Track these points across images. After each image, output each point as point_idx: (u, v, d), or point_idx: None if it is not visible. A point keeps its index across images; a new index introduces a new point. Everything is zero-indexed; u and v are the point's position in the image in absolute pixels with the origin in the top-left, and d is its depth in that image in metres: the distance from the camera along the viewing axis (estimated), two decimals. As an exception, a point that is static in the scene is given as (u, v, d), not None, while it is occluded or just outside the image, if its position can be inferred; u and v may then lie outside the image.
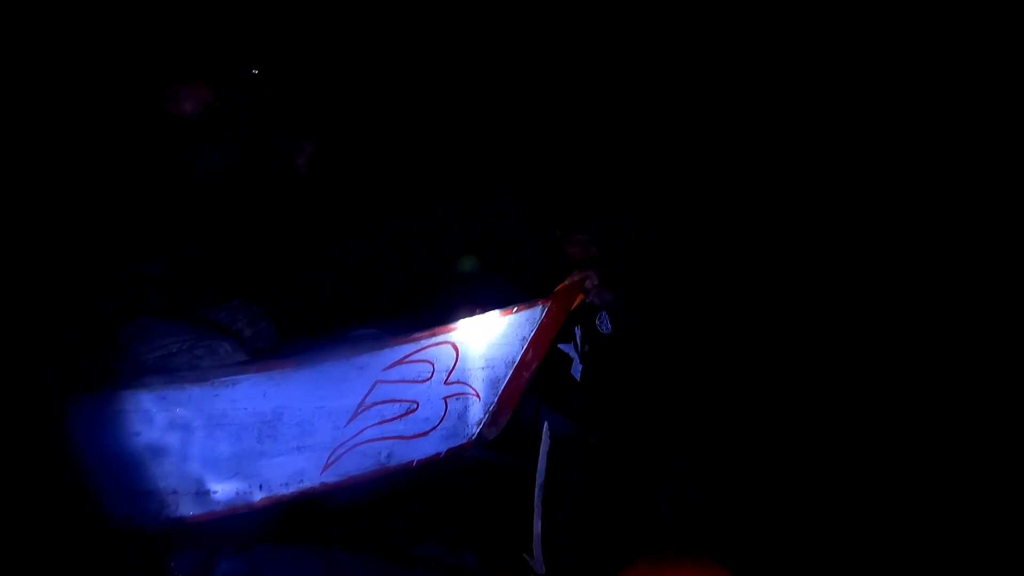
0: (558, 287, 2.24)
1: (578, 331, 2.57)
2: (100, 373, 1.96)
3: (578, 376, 2.56)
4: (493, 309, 2.15)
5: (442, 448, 2.09)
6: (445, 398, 2.08)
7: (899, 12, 3.06)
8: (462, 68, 3.16)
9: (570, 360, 2.57)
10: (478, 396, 2.12)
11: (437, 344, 2.06)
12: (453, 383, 2.09)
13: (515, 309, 2.15)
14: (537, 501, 2.16)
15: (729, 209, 3.20)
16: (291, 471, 2.00)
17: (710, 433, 2.65)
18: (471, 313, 2.16)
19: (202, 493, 2.00)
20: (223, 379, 1.95)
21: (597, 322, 2.55)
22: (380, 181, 2.84)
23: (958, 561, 2.10)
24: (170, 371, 1.96)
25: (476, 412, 2.12)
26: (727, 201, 3.21)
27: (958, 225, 2.97)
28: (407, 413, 2.05)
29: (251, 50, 2.51)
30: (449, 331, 2.08)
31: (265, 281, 2.24)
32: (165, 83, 2.13)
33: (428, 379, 2.06)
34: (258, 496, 2.00)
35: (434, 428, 2.08)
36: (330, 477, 2.02)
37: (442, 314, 2.20)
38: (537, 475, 2.17)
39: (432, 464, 2.09)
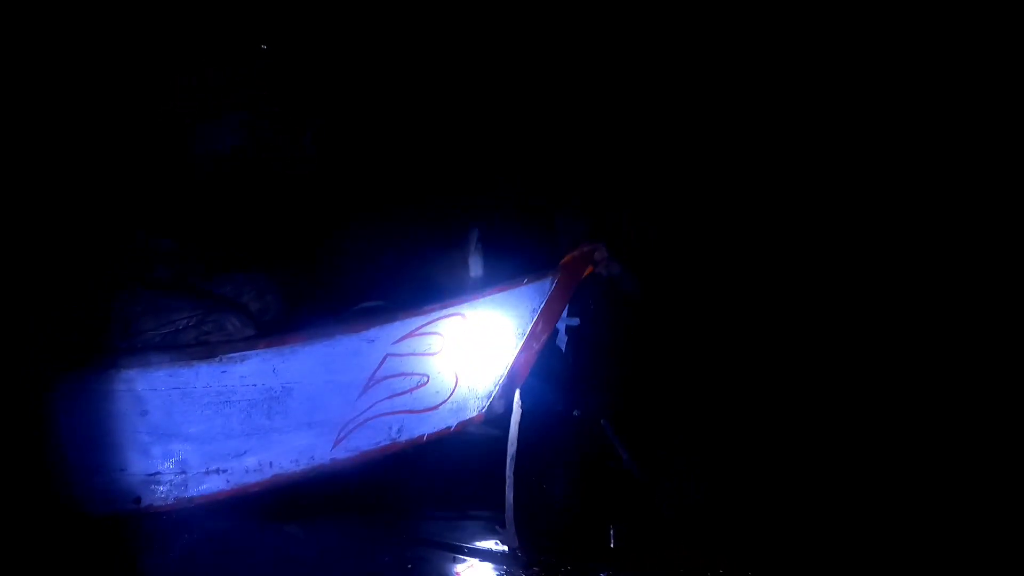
0: (565, 259, 2.22)
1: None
2: (104, 350, 1.93)
3: (563, 348, 2.55)
4: (502, 282, 2.13)
5: (452, 421, 2.07)
6: (455, 371, 2.06)
7: (899, 12, 3.07)
8: (464, 66, 3.16)
9: (555, 332, 2.56)
10: (488, 369, 2.09)
11: (447, 316, 2.03)
12: (463, 356, 2.06)
13: (525, 281, 2.11)
14: (509, 471, 2.11)
15: (729, 209, 3.20)
16: (301, 447, 1.98)
17: (710, 433, 2.64)
18: (480, 286, 2.15)
19: (211, 472, 1.96)
20: (231, 355, 1.92)
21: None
22: (385, 173, 2.84)
23: (958, 561, 2.09)
24: (177, 347, 1.93)
25: (486, 384, 2.09)
26: (727, 201, 3.21)
27: (958, 225, 2.98)
28: (417, 386, 2.03)
29: (258, 40, 2.51)
30: (459, 303, 2.05)
31: (273, 256, 2.22)
32: (174, 66, 2.13)
33: (438, 352, 2.03)
34: (268, 473, 1.97)
35: (444, 401, 2.06)
36: (341, 453, 2.00)
37: (449, 289, 2.18)
38: (508, 445, 2.12)
39: (442, 438, 2.07)
